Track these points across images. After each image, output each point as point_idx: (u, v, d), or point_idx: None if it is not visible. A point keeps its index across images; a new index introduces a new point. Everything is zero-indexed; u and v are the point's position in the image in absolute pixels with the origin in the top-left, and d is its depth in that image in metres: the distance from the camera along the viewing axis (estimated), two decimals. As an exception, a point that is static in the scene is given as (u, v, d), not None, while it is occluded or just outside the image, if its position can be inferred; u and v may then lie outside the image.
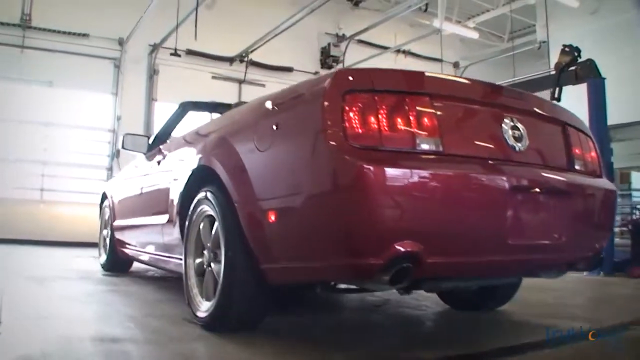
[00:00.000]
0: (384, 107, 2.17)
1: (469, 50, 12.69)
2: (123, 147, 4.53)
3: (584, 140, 2.89)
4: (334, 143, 2.08)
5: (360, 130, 2.11)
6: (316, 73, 11.47)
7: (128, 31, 9.49)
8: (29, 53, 9.21)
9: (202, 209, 2.93)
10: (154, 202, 3.86)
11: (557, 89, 6.65)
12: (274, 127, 2.41)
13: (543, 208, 2.46)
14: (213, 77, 10.37)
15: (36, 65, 9.22)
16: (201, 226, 2.96)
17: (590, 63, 6.41)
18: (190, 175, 3.10)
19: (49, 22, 9.33)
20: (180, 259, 3.20)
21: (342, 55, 11.37)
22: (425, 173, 2.12)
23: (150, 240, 4.04)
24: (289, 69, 11.26)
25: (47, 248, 8.16)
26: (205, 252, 2.90)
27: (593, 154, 2.95)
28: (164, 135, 4.58)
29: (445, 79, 2.63)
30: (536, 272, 2.75)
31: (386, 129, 2.15)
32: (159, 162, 3.81)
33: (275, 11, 9.88)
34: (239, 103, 4.86)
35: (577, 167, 2.76)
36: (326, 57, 11.36)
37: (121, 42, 9.84)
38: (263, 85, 10.89)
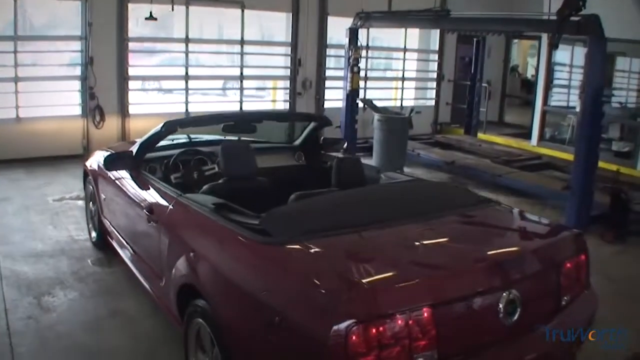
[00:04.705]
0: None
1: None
2: (107, 169, 4.42)
3: (575, 265, 2.96)
4: None
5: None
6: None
7: None
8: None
9: (197, 320, 3.02)
10: (149, 253, 3.93)
11: (557, 36, 6.38)
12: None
13: None
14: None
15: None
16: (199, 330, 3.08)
17: (595, 19, 6.05)
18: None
19: None
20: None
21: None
22: None
23: (141, 270, 4.16)
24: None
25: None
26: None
27: (582, 272, 3.03)
28: (147, 150, 4.46)
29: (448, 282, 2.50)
30: None
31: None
32: (148, 218, 3.76)
33: None
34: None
35: (564, 301, 2.86)
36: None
37: None
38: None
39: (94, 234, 5.52)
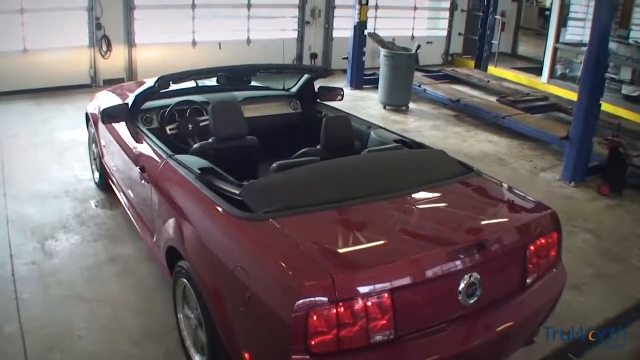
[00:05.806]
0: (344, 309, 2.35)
1: None
2: (103, 122, 4.51)
3: (545, 245, 3.03)
4: None
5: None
6: None
7: None
8: None
9: (182, 280, 3.22)
10: (142, 206, 4.12)
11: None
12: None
13: None
14: None
15: None
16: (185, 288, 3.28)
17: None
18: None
19: None
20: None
21: None
22: None
23: (137, 219, 4.36)
24: None
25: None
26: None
27: (552, 251, 3.12)
28: (142, 103, 4.56)
29: (410, 267, 2.58)
30: None
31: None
32: (140, 176, 3.91)
33: None
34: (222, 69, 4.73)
35: (529, 280, 2.97)
36: None
37: None
38: None
39: (96, 175, 5.68)
